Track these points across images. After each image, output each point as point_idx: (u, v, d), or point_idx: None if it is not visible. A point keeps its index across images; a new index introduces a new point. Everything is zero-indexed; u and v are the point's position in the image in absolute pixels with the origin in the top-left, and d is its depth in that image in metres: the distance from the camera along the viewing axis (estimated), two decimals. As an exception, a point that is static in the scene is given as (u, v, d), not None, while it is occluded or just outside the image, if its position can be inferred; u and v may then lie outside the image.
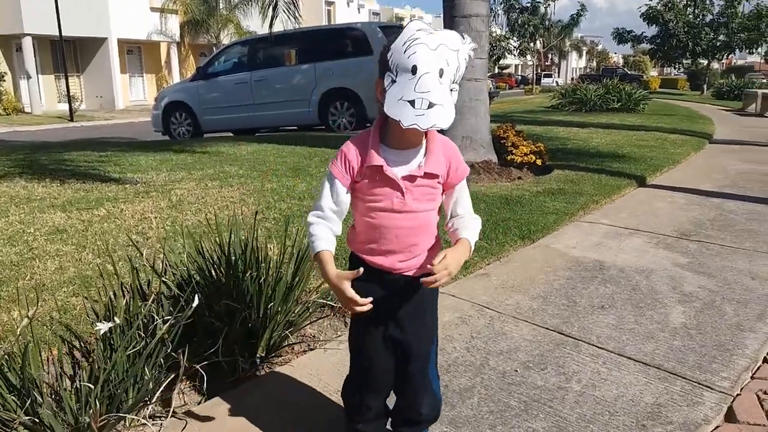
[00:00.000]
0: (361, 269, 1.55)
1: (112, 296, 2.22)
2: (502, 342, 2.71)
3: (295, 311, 2.60)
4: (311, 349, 2.65)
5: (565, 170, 6.10)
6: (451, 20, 5.93)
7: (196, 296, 1.99)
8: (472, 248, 1.64)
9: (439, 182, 1.61)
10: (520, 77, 61.73)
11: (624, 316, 2.96)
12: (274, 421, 2.14)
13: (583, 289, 3.27)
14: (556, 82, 56.23)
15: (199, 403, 2.26)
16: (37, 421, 1.89)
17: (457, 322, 2.88)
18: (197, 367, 2.26)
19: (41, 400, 1.87)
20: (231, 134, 12.60)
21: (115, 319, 1.90)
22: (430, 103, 1.40)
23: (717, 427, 2.14)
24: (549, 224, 4.25)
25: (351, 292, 1.53)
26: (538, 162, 6.07)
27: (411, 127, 1.42)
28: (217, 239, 2.61)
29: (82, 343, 2.41)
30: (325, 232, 1.61)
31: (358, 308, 1.54)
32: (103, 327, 1.82)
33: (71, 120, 22.19)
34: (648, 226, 4.39)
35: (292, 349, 2.61)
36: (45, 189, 5.00)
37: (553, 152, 6.90)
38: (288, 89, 11.92)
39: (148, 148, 7.93)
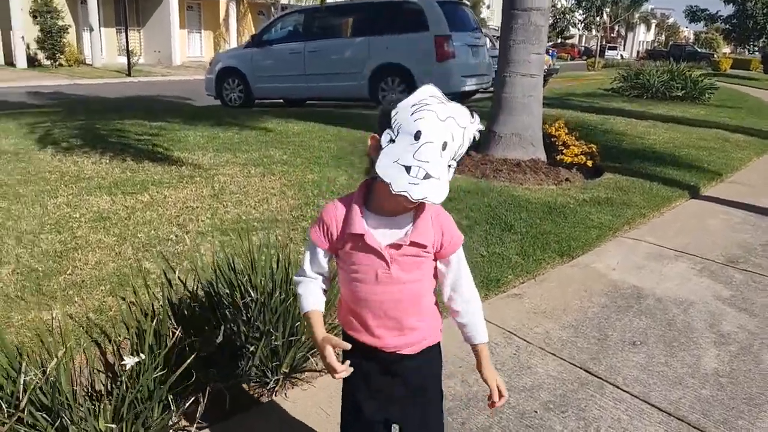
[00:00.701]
0: (349, 346, 1.47)
1: (143, 318, 2.28)
2: (526, 377, 2.69)
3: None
4: (333, 369, 2.67)
5: (616, 174, 5.91)
6: (510, 14, 5.75)
7: (221, 330, 2.03)
8: (488, 340, 1.64)
9: (428, 252, 1.49)
10: (583, 48, 59.64)
11: (655, 355, 2.88)
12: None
13: (616, 321, 3.19)
14: (621, 55, 54.15)
15: (220, 421, 2.32)
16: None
17: (480, 349, 2.86)
18: (221, 386, 2.33)
19: (69, 421, 1.96)
20: (282, 102, 12.70)
21: (141, 355, 1.96)
22: (427, 173, 1.31)
23: (736, 494, 2.08)
24: (591, 240, 4.15)
25: (331, 359, 1.45)
26: (589, 163, 5.89)
27: (400, 193, 1.31)
28: (249, 256, 2.64)
29: (114, 346, 2.51)
30: (312, 291, 1.56)
31: (337, 375, 1.45)
32: (129, 362, 1.88)
33: (129, 75, 22.67)
34: (694, 247, 4.23)
35: (313, 370, 2.64)
36: (94, 166, 5.15)
37: (606, 149, 6.69)
38: (340, 62, 11.86)
39: (197, 118, 8.04)
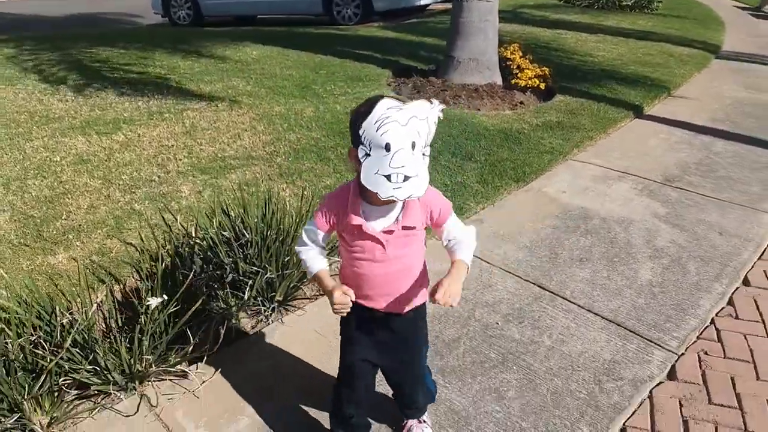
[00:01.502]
0: (353, 296, 1.70)
1: (156, 254, 2.55)
2: (488, 294, 3.10)
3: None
4: (322, 295, 3.02)
5: (566, 95, 6.22)
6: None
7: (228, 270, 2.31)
8: (469, 266, 1.74)
9: (418, 230, 1.72)
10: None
11: (599, 270, 3.32)
12: (290, 352, 2.58)
13: (565, 240, 3.61)
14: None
15: (229, 345, 2.66)
16: (98, 369, 2.30)
17: (449, 272, 3.24)
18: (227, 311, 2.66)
19: (101, 354, 2.27)
20: (232, 19, 12.40)
21: (164, 296, 2.25)
22: (406, 176, 1.50)
23: (659, 383, 2.56)
24: (543, 165, 4.52)
25: (339, 298, 1.67)
26: (542, 86, 6.19)
27: (389, 198, 1.52)
28: (241, 199, 2.89)
29: (122, 287, 2.79)
30: (315, 256, 1.79)
31: (341, 303, 1.67)
32: (153, 302, 2.18)
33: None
34: (636, 168, 4.65)
35: (305, 297, 2.99)
36: (62, 104, 5.18)
37: (558, 69, 6.96)
38: (292, -25, 11.58)
39: (153, 43, 7.90)
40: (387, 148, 1.49)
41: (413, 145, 1.51)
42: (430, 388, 2.21)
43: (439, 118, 1.56)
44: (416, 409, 2.18)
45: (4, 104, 5.14)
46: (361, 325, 1.88)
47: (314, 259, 1.80)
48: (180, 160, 4.13)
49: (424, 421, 2.23)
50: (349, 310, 1.72)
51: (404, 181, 1.51)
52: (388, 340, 1.90)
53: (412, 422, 2.21)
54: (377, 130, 1.49)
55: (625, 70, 7.54)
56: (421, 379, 2.10)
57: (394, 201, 1.59)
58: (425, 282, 1.87)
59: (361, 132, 1.52)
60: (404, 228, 1.69)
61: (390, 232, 1.68)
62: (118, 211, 3.44)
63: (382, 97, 1.54)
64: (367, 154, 1.53)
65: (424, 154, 1.56)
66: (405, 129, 1.49)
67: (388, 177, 1.50)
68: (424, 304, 1.91)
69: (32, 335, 2.22)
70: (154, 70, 6.48)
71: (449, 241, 1.79)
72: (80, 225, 3.29)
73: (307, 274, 1.81)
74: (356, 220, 1.66)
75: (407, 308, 1.84)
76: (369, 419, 2.20)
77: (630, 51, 8.70)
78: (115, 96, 5.42)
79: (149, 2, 12.86)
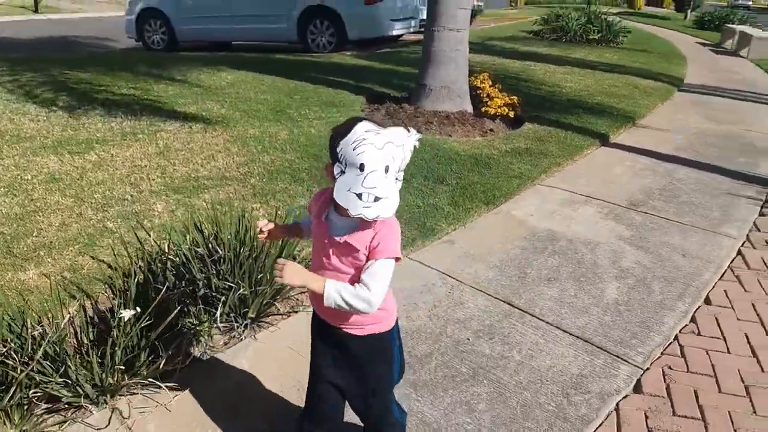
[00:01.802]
0: (265, 222, 1.91)
1: (128, 270, 2.55)
2: (459, 311, 3.16)
3: (282, 282, 2.98)
4: (295, 312, 3.04)
5: (535, 123, 6.40)
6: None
7: (200, 285, 2.33)
8: (326, 295, 1.65)
9: (363, 254, 1.68)
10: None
11: (566, 289, 3.41)
12: (263, 368, 2.58)
13: (534, 261, 3.70)
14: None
15: (201, 361, 2.66)
16: (69, 382, 2.28)
17: (422, 289, 3.30)
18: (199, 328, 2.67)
19: (73, 367, 2.25)
20: (206, 44, 12.49)
21: (137, 308, 2.25)
22: (376, 197, 1.55)
23: (625, 396, 2.63)
24: (512, 189, 4.63)
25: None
26: (511, 114, 6.36)
27: (358, 216, 1.56)
28: (214, 216, 2.92)
29: (93, 303, 2.78)
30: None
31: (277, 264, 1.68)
32: (126, 314, 2.18)
33: (36, 11, 21.28)
34: (602, 193, 4.80)
35: (279, 313, 3.00)
36: (33, 124, 5.14)
37: (527, 98, 7.17)
38: (267, 3, 11.71)
39: (126, 67, 7.92)
40: (361, 168, 1.55)
41: (386, 169, 1.56)
42: (397, 419, 2.07)
43: (415, 146, 1.63)
44: None
45: (-27, 123, 5.10)
46: (316, 336, 1.92)
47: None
48: (153, 180, 4.14)
49: None
50: (263, 235, 1.93)
51: (374, 201, 1.56)
52: (344, 361, 1.88)
53: None
54: (354, 149, 1.54)
55: (592, 100, 7.79)
56: (386, 412, 2.00)
57: (362, 219, 1.59)
58: (387, 313, 1.85)
59: (338, 149, 1.58)
60: (346, 243, 1.68)
61: (334, 242, 1.70)
62: (90, 229, 3.43)
63: (362, 119, 1.60)
64: (342, 172, 1.58)
65: (397, 179, 1.62)
66: (380, 153, 1.55)
67: (359, 195, 1.56)
68: (387, 334, 1.87)
69: (3, 347, 2.20)
70: (127, 92, 6.49)
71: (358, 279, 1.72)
72: (51, 242, 3.27)
73: None
74: (319, 215, 1.77)
75: (363, 332, 1.81)
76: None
77: (596, 82, 9.00)
78: (88, 117, 5.41)
79: (124, 27, 12.87)
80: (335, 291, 1.65)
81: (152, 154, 4.61)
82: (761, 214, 4.58)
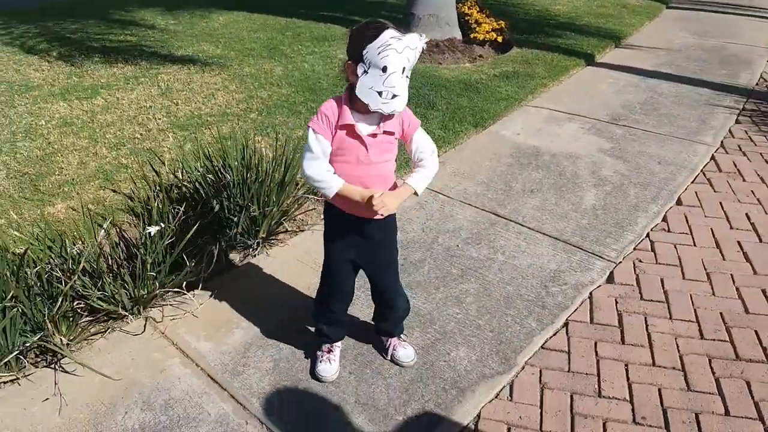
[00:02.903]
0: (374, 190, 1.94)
1: (147, 198, 2.85)
2: (450, 223, 3.47)
3: (287, 203, 3.28)
4: (301, 231, 3.36)
5: (523, 47, 6.56)
6: None
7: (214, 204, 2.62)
8: (418, 191, 2.02)
9: (395, 138, 2.01)
10: None
11: (548, 198, 3.71)
12: (275, 278, 2.92)
13: (519, 175, 3.99)
14: None
15: (221, 274, 2.99)
16: (107, 295, 2.61)
17: (415, 207, 3.60)
18: (215, 246, 2.99)
19: (109, 281, 2.58)
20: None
21: (161, 224, 2.56)
22: (394, 95, 1.82)
23: (598, 286, 2.97)
24: (500, 111, 4.87)
25: (375, 196, 1.90)
26: (499, 39, 6.49)
27: (377, 110, 1.84)
28: (220, 147, 3.20)
29: (118, 230, 3.09)
30: (326, 173, 1.95)
31: (380, 202, 1.90)
32: (152, 230, 2.49)
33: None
34: (585, 110, 5.03)
35: (286, 231, 3.32)
36: (38, 73, 5.35)
37: (515, 23, 7.27)
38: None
39: (118, 7, 8.00)
40: (384, 69, 1.78)
41: (404, 70, 1.81)
42: (405, 295, 2.42)
43: (424, 48, 1.87)
44: (397, 319, 2.46)
45: (-20, 76, 5.31)
46: (341, 228, 2.17)
47: (332, 178, 1.96)
48: (159, 119, 4.39)
49: (405, 340, 2.51)
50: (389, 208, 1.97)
51: (392, 98, 1.83)
52: (365, 241, 2.16)
53: (393, 341, 2.48)
54: (379, 54, 1.77)
55: (580, 22, 7.87)
56: (399, 283, 2.38)
57: (380, 112, 1.87)
58: None
59: (364, 52, 1.79)
60: (385, 132, 1.96)
61: (374, 135, 1.95)
62: (107, 166, 3.71)
63: (387, 26, 1.80)
64: (366, 72, 1.81)
65: (407, 77, 1.86)
66: (400, 56, 1.78)
67: (380, 93, 1.81)
68: (394, 215, 2.20)
69: (47, 264, 2.52)
70: (125, 38, 6.63)
71: (417, 156, 2.07)
72: (73, 179, 3.56)
73: (325, 190, 1.97)
74: (349, 119, 1.91)
75: (383, 216, 2.05)
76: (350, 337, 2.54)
77: (585, 4, 9.02)
78: (90, 64, 5.60)
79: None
80: (422, 182, 2.04)
81: (155, 95, 4.84)
82: (737, 122, 4.82)
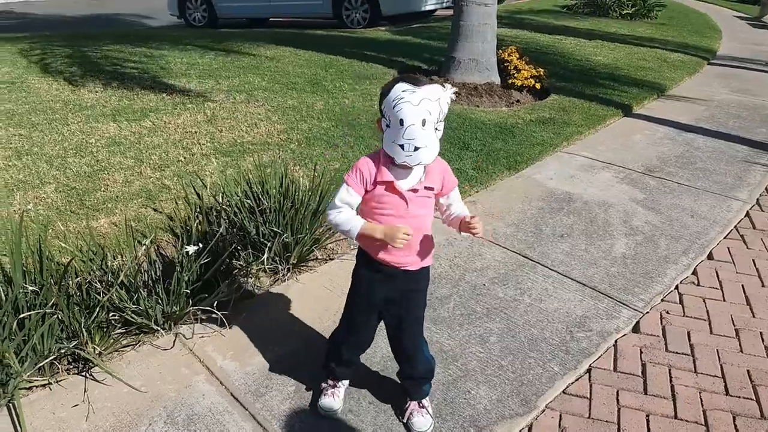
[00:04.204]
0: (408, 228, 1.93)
1: (187, 218, 2.96)
2: (478, 261, 3.50)
3: (320, 231, 3.37)
4: (331, 259, 3.43)
5: (560, 95, 6.64)
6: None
7: (253, 228, 2.72)
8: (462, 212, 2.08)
9: (434, 192, 2.03)
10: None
11: (578, 244, 3.72)
12: (303, 304, 2.98)
13: (550, 219, 4.01)
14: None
15: (251, 296, 3.07)
16: (141, 309, 2.71)
17: (444, 243, 3.65)
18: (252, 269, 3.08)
19: (144, 296, 2.68)
20: (245, 21, 12.88)
21: (199, 244, 2.66)
22: (416, 147, 1.83)
23: (624, 335, 2.95)
24: (534, 155, 4.92)
25: (399, 227, 1.91)
26: (537, 86, 6.59)
27: (402, 163, 1.87)
28: (260, 174, 3.31)
29: (155, 248, 3.21)
30: (351, 216, 1.98)
31: (403, 234, 1.90)
32: (190, 249, 2.59)
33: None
34: (620, 160, 5.05)
35: (316, 259, 3.39)
36: (92, 95, 5.62)
37: (555, 71, 7.38)
38: (304, -20, 12.03)
39: (174, 43, 8.37)
40: (401, 123, 1.81)
41: (423, 122, 1.81)
42: (429, 359, 2.35)
43: (451, 99, 1.88)
44: (417, 380, 2.33)
45: (40, 94, 5.59)
46: (372, 279, 2.13)
47: (353, 218, 1.99)
48: (203, 144, 4.56)
49: (424, 407, 2.36)
50: (410, 238, 1.95)
51: (415, 150, 1.83)
52: (394, 294, 2.13)
53: (413, 405, 2.36)
54: (393, 107, 1.81)
55: (619, 73, 7.94)
56: (421, 344, 2.30)
57: (407, 166, 1.90)
58: (432, 245, 2.14)
59: (383, 107, 1.87)
60: (426, 188, 1.98)
61: (414, 190, 1.97)
62: (150, 186, 3.86)
63: (400, 80, 1.85)
64: (388, 126, 1.87)
65: (436, 129, 1.88)
66: (416, 108, 1.79)
67: (402, 146, 1.83)
68: (429, 267, 2.18)
69: (88, 275, 2.64)
70: (175, 66, 6.93)
71: (450, 208, 2.11)
72: (117, 196, 3.71)
73: (349, 233, 1.99)
74: (387, 176, 1.93)
75: (418, 266, 2.10)
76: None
77: (626, 56, 9.10)
78: (140, 89, 5.86)
79: (165, 3, 13.35)
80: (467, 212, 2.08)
81: (201, 121, 5.03)
82: (774, 181, 4.78)
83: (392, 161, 1.92)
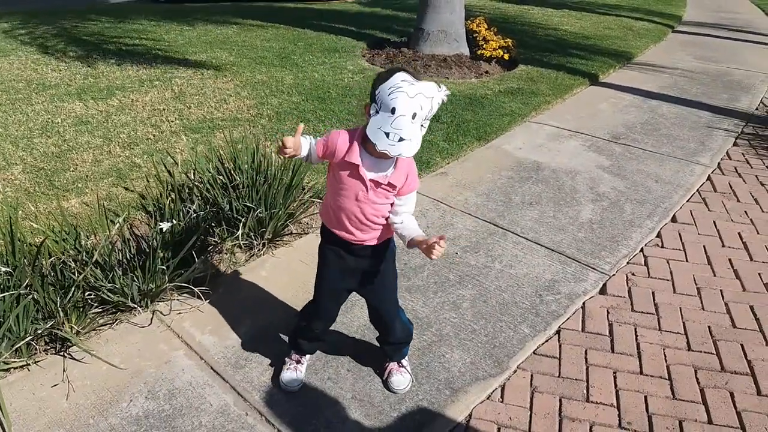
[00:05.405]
0: (302, 125, 2.01)
1: (159, 196, 2.96)
2: (450, 231, 3.57)
3: (293, 206, 3.39)
4: (306, 234, 3.46)
5: (528, 65, 6.69)
6: None
7: (225, 204, 2.73)
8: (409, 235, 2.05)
9: (396, 189, 2.00)
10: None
11: (546, 211, 3.81)
12: (279, 278, 3.02)
13: (519, 188, 4.09)
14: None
15: (227, 272, 3.10)
16: (117, 287, 2.72)
17: (417, 215, 3.68)
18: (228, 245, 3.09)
19: (119, 274, 2.69)
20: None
21: (173, 220, 2.67)
22: (401, 138, 1.78)
23: (591, 297, 3.06)
24: (503, 126, 4.98)
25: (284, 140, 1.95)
26: (506, 56, 6.64)
27: (382, 151, 1.80)
28: (231, 150, 3.31)
29: (129, 227, 3.20)
30: (306, 145, 2.03)
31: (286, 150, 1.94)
32: (164, 225, 2.60)
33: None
34: (587, 128, 5.15)
35: (291, 233, 3.42)
36: (55, 73, 5.50)
37: (523, 41, 7.43)
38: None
39: (135, 16, 8.18)
40: (393, 111, 1.78)
41: (414, 116, 1.79)
42: (406, 322, 2.45)
43: (443, 100, 1.86)
44: (395, 344, 2.43)
45: (1, 73, 5.45)
46: (335, 252, 2.19)
47: (307, 146, 2.05)
48: (172, 121, 4.52)
49: (403, 366, 2.46)
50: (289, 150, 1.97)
51: (399, 141, 1.78)
52: (360, 266, 2.19)
53: (392, 365, 2.46)
54: (389, 94, 1.78)
55: (585, 42, 8.02)
56: (397, 311, 2.39)
57: (386, 155, 1.84)
58: (390, 230, 2.16)
59: (377, 92, 1.82)
60: (389, 184, 1.98)
61: (376, 183, 1.98)
62: (120, 164, 3.83)
63: (402, 70, 1.83)
64: (377, 111, 1.83)
65: (422, 126, 1.85)
66: (411, 101, 1.77)
67: (387, 134, 1.79)
68: (390, 240, 2.22)
69: (61, 255, 2.63)
70: (140, 42, 6.80)
71: (400, 217, 2.09)
72: (87, 176, 3.68)
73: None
74: (355, 159, 1.94)
75: (378, 241, 2.14)
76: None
77: (592, 25, 9.18)
78: (106, 66, 5.75)
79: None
80: (416, 231, 2.05)
81: (169, 98, 4.97)
82: (735, 145, 4.93)
83: (370, 147, 1.92)
